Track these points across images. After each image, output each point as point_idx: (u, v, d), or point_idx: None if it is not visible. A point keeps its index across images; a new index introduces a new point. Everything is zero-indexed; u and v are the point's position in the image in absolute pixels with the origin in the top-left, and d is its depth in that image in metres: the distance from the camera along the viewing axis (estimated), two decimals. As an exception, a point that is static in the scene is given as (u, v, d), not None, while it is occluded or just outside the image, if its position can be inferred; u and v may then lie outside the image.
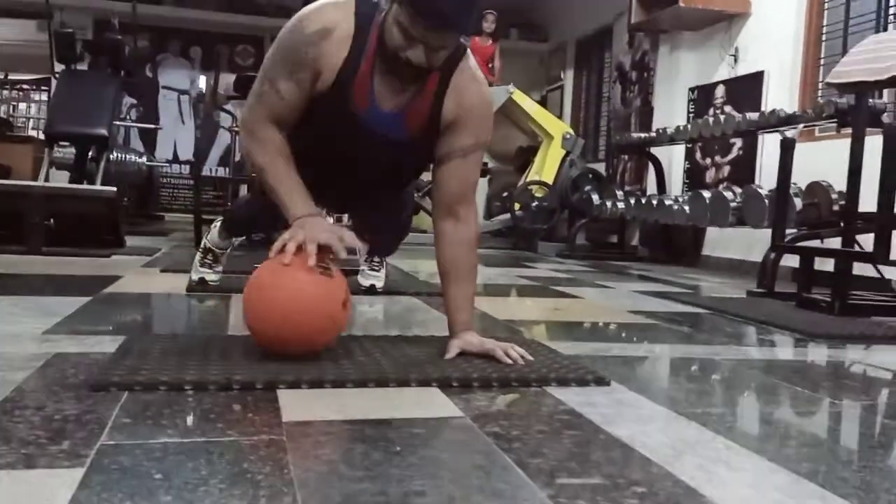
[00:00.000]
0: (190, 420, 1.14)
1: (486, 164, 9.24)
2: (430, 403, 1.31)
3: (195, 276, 2.65)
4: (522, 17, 9.28)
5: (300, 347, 1.49)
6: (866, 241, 3.27)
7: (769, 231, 3.34)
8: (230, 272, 2.73)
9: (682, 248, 5.55)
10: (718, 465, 1.05)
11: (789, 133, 3.10)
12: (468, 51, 1.65)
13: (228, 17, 8.70)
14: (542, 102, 9.03)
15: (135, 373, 1.34)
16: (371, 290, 2.71)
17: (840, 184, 3.50)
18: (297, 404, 1.25)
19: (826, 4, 4.67)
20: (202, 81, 4.30)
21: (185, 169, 9.25)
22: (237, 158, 7.25)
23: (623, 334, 2.24)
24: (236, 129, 7.18)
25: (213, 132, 8.65)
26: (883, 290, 3.26)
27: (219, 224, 2.63)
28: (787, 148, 3.12)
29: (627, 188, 6.77)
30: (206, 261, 2.66)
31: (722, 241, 5.24)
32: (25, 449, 0.97)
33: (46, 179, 4.94)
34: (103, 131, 4.65)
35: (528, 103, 6.40)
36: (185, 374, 1.33)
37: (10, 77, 12.33)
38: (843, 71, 3.12)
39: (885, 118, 3.33)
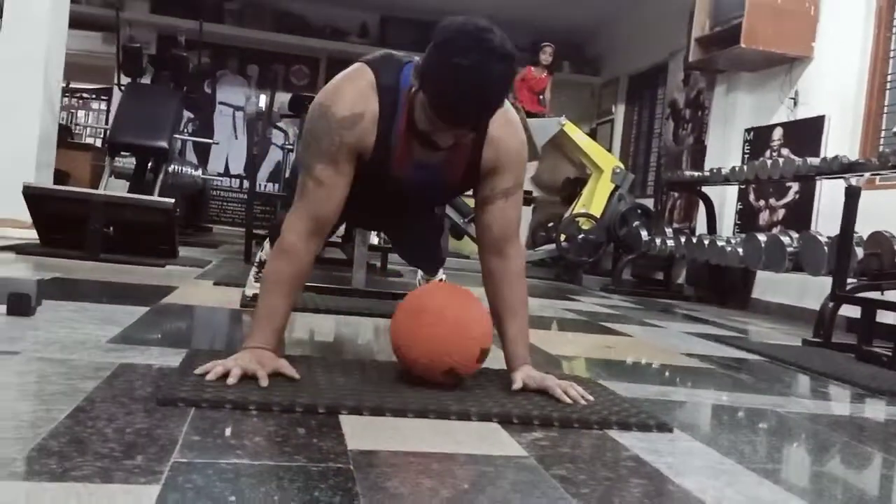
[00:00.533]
0: (257, 441, 1.14)
1: (530, 192, 9.25)
2: (492, 440, 1.29)
3: (249, 292, 2.68)
4: (576, 50, 9.30)
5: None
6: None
7: (822, 278, 3.27)
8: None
9: (730, 289, 5.46)
10: (796, 526, 1.01)
11: (854, 181, 3.03)
12: None
13: (285, 37, 8.88)
14: (592, 135, 9.00)
15: (201, 389, 1.35)
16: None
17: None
18: (359, 432, 1.24)
19: (892, 52, 4.59)
20: (260, 99, 4.38)
21: (236, 183, 9.42)
22: (287, 175, 7.35)
23: (679, 378, 2.20)
24: (289, 146, 7.31)
25: (265, 149, 8.80)
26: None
27: (268, 240, 2.66)
28: (853, 195, 3.06)
29: (676, 226, 6.70)
30: (260, 275, 2.69)
31: (772, 286, 5.13)
32: (101, 462, 0.98)
33: (105, 188, 5.07)
34: (164, 144, 4.76)
35: (579, 135, 6.40)
36: (249, 394, 1.34)
37: (71, 85, 12.74)
38: (913, 120, 3.05)
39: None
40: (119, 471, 0.96)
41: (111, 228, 3.80)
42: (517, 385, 1.57)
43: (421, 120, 1.48)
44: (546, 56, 7.01)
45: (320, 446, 1.15)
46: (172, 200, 3.82)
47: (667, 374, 2.26)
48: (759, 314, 4.99)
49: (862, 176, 3.12)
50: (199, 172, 6.18)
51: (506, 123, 1.63)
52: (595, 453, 1.28)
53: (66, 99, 13.27)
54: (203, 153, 8.95)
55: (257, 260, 2.71)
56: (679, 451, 1.34)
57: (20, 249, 3.83)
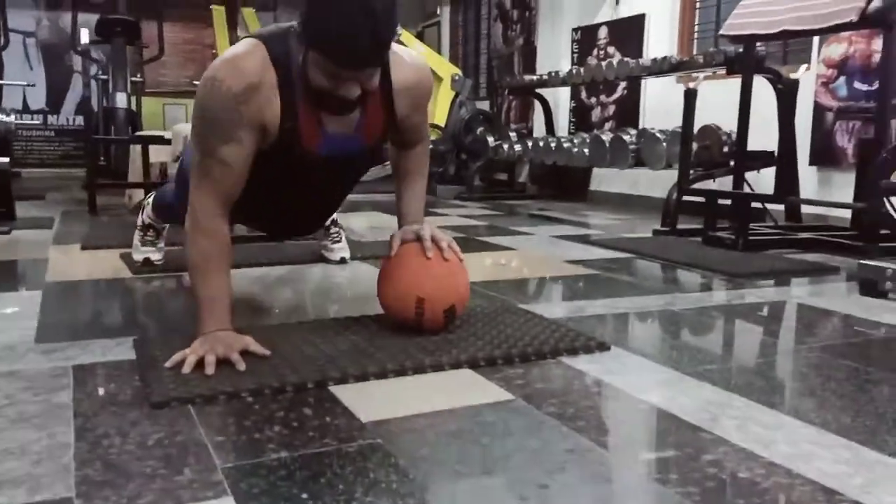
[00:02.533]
0: (278, 431, 1.20)
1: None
2: (475, 387, 1.42)
3: (138, 257, 2.57)
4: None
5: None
6: (750, 177, 3.65)
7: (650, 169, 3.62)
8: (173, 245, 2.68)
9: (571, 185, 5.86)
10: (751, 424, 1.24)
11: (692, 84, 3.35)
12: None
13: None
14: (419, 38, 9.00)
15: (185, 384, 1.36)
16: (343, 262, 2.75)
17: (726, 122, 3.85)
18: (358, 402, 1.32)
19: (701, -50, 4.96)
20: (83, 32, 3.87)
21: (38, 119, 8.54)
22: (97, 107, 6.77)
23: (579, 290, 2.43)
24: (103, 76, 6.71)
25: (65, 79, 8.01)
26: (759, 219, 3.66)
27: (151, 202, 2.55)
28: (691, 97, 3.39)
29: (514, 127, 6.99)
30: (147, 238, 2.58)
31: (607, 178, 5.58)
32: (155, 484, 1.00)
33: None
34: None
35: (415, 45, 6.39)
36: (239, 383, 1.37)
37: None
38: (737, 24, 3.39)
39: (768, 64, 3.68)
40: (180, 489, 0.99)
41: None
42: (393, 249, 1.70)
43: (320, 79, 1.45)
44: None
45: (337, 425, 1.23)
46: (7, 159, 3.47)
47: (568, 286, 2.49)
48: (599, 205, 5.43)
49: (698, 78, 3.44)
50: (13, 118, 5.50)
51: (406, 63, 1.65)
52: (566, 385, 1.45)
53: None
54: (-7, 89, 7.99)
55: (140, 223, 2.58)
56: (628, 369, 1.54)
57: None
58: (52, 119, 8.61)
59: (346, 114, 1.58)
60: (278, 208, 1.81)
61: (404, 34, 6.29)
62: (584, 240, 3.52)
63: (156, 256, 2.56)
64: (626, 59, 4.68)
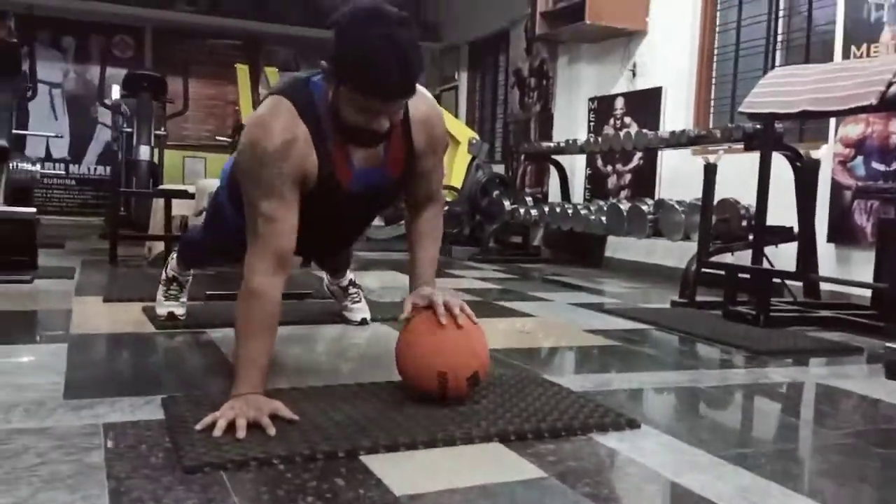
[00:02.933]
0: (311, 502, 1.18)
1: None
2: (506, 462, 1.40)
3: (162, 311, 2.58)
4: (414, 16, 9.34)
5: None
6: (770, 252, 3.66)
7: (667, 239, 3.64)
8: (194, 300, 2.68)
9: (586, 250, 5.88)
10: (792, 512, 1.22)
11: (713, 159, 3.40)
12: None
13: (103, 5, 8.18)
14: (437, 101, 9.17)
15: (217, 449, 1.35)
16: (363, 323, 2.76)
17: (743, 195, 3.88)
18: (390, 473, 1.31)
19: (718, 28, 5.08)
20: (115, 88, 3.97)
21: (60, 168, 8.68)
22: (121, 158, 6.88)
23: (603, 361, 2.42)
24: (128, 129, 6.83)
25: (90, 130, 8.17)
26: (778, 295, 3.66)
27: (175, 256, 2.58)
28: (710, 171, 3.43)
29: (528, 191, 7.06)
30: (170, 292, 2.59)
31: (623, 245, 5.60)
32: (193, 556, 0.99)
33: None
34: (3, 143, 4.33)
35: (435, 109, 6.52)
36: (271, 449, 1.36)
37: None
38: (756, 102, 3.46)
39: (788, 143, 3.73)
40: (219, 563, 0.97)
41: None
42: (405, 312, 1.71)
43: (353, 116, 1.53)
44: None
45: (371, 497, 1.21)
46: (34, 210, 3.52)
47: (590, 357, 2.48)
48: (614, 272, 5.43)
49: (718, 153, 3.49)
50: (38, 167, 5.60)
51: (423, 101, 1.73)
52: (599, 463, 1.43)
53: None
54: (19, 140, 8.13)
55: (164, 276, 2.60)
56: (660, 449, 1.52)
57: None
58: (73, 168, 8.75)
59: (374, 146, 1.65)
60: (306, 236, 1.79)
61: (425, 98, 6.42)
62: (601, 308, 3.51)
63: (179, 311, 2.57)
64: (643, 130, 4.75)
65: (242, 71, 7.59)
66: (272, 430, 1.43)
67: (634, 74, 5.60)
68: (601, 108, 5.96)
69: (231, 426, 1.43)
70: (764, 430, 1.78)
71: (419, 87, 1.71)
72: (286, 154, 1.57)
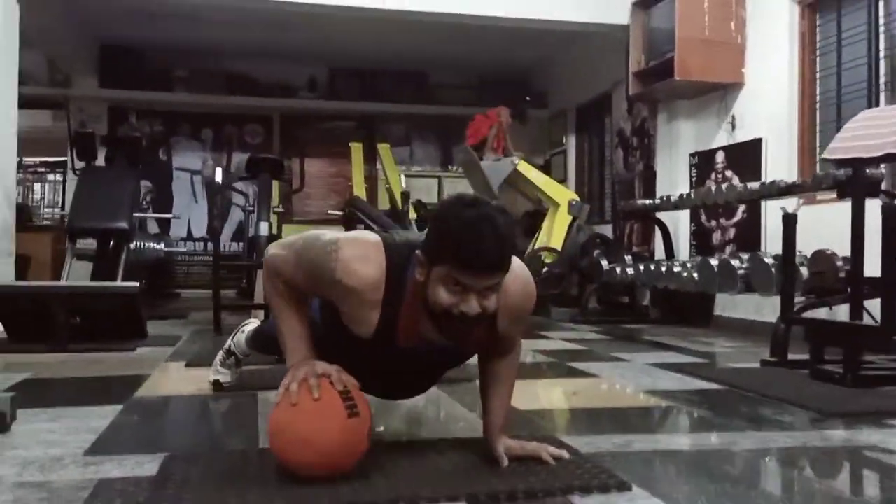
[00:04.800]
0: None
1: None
2: (461, 523, 1.37)
3: (211, 378, 2.69)
4: (522, 86, 9.52)
5: (327, 476, 1.54)
6: (873, 305, 3.34)
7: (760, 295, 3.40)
8: (247, 365, 2.81)
9: (692, 309, 5.61)
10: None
11: (790, 208, 3.19)
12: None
13: (236, 99, 8.96)
14: (546, 166, 9.22)
15: (178, 504, 1.41)
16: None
17: (843, 246, 3.58)
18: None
19: (818, 74, 4.82)
20: (217, 171, 4.42)
21: (199, 246, 9.43)
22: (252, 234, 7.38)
23: (642, 423, 2.30)
24: (250, 208, 7.36)
25: (226, 211, 8.84)
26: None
27: (248, 332, 2.63)
28: (789, 223, 3.22)
29: (636, 249, 6.87)
30: (227, 363, 2.70)
31: (731, 303, 5.29)
32: None
33: (68, 274, 5.07)
34: (124, 225, 4.81)
35: (533, 174, 6.54)
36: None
37: (25, 160, 12.67)
38: (839, 147, 3.23)
39: (883, 186, 3.44)
40: None
41: (77, 318, 3.82)
42: (504, 462, 1.65)
43: (441, 296, 1.46)
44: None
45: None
46: (137, 285, 3.85)
47: (629, 419, 2.36)
48: (722, 332, 5.13)
49: (796, 203, 3.27)
50: (162, 245, 6.20)
51: (517, 286, 1.63)
52: (558, 526, 1.36)
53: (20, 174, 13.20)
54: (164, 220, 8.96)
55: (226, 346, 2.73)
56: (636, 513, 1.43)
57: (-13, 349, 3.83)
58: (211, 246, 9.46)
59: (456, 341, 1.56)
60: (379, 375, 1.79)
61: (521, 164, 6.47)
62: (680, 369, 3.32)
63: (226, 380, 2.67)
64: (734, 183, 4.54)
65: (356, 149, 7.99)
66: (340, 384, 1.53)
67: (734, 127, 5.38)
68: (702, 163, 5.76)
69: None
70: (772, 497, 1.61)
71: (519, 268, 1.65)
72: (348, 297, 1.56)
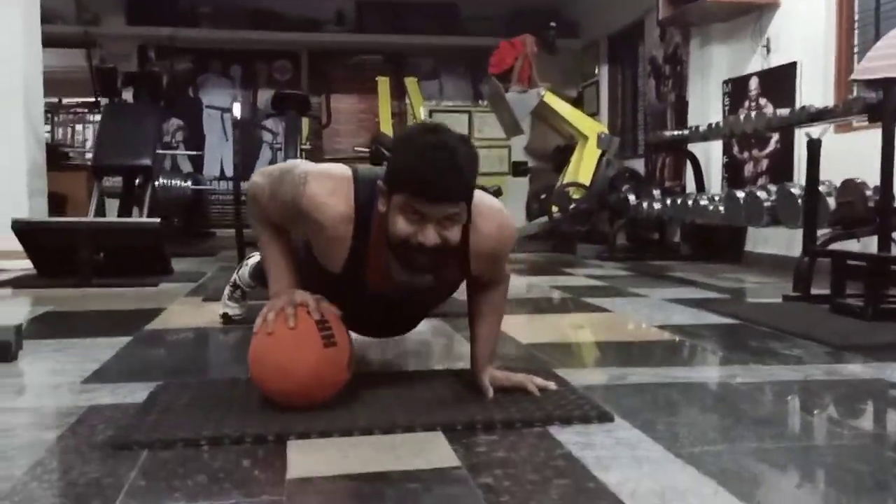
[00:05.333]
0: (200, 480, 1.22)
1: (525, 162, 9.28)
2: (430, 452, 1.36)
3: (221, 310, 2.74)
4: (553, 15, 9.22)
5: (307, 405, 1.55)
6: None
7: (786, 227, 3.29)
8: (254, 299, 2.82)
9: (722, 245, 5.48)
10: (699, 515, 1.08)
11: (815, 134, 3.05)
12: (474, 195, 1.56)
13: (262, 34, 8.87)
14: (579, 99, 9.00)
15: (154, 429, 1.43)
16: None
17: (877, 177, 3.43)
18: (304, 458, 1.32)
19: (858, -9, 4.55)
20: (236, 106, 4.40)
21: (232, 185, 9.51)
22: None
23: (643, 356, 2.26)
24: (278, 145, 7.38)
25: (257, 148, 8.86)
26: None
27: (251, 265, 2.65)
28: (814, 149, 3.08)
29: (668, 184, 6.71)
30: (234, 296, 2.74)
31: (763, 237, 5.15)
32: (47, 521, 1.06)
33: (99, 210, 5.16)
34: (147, 161, 4.84)
35: (560, 105, 6.40)
36: (202, 429, 1.42)
37: (63, 101, 12.82)
38: (869, 67, 3.07)
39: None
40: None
41: (101, 254, 3.89)
42: (489, 394, 1.63)
43: (400, 226, 1.44)
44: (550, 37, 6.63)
45: (260, 478, 1.23)
46: (158, 221, 3.89)
47: (632, 353, 2.32)
48: (752, 267, 5.02)
49: (822, 129, 3.12)
50: (189, 183, 6.23)
51: (489, 219, 1.60)
52: (528, 456, 1.34)
53: (61, 116, 13.37)
54: (197, 159, 9.02)
55: (231, 280, 2.76)
56: (612, 443, 1.40)
57: (17, 283, 3.94)
58: (244, 185, 9.53)
59: (419, 276, 1.55)
60: (358, 318, 1.79)
61: (548, 95, 6.32)
62: (699, 304, 3.26)
63: (235, 312, 2.71)
64: (765, 110, 4.35)
65: (383, 83, 7.89)
66: (317, 314, 1.52)
67: (769, 51, 5.15)
68: (735, 91, 5.54)
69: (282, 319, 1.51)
70: (759, 428, 1.56)
71: (493, 206, 1.63)
72: (317, 228, 1.55)
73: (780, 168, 5.03)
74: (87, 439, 1.42)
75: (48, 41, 5.32)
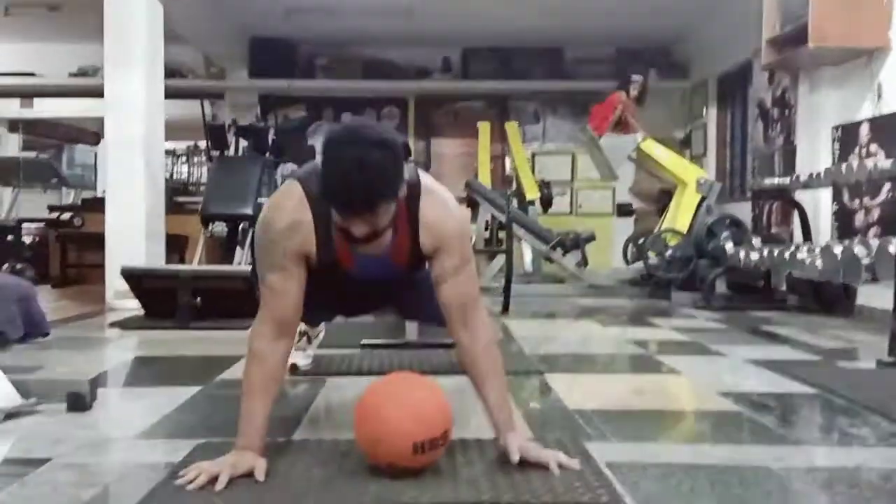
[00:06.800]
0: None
1: (630, 204, 9.11)
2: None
3: (291, 361, 2.82)
4: (662, 55, 9.09)
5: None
6: None
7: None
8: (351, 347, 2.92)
9: (832, 296, 5.15)
10: None
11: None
12: (421, 177, 1.78)
13: (373, 83, 9.23)
14: (686, 140, 8.77)
15: (172, 498, 1.52)
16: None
17: None
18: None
19: (978, 31, 4.23)
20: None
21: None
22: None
23: (690, 430, 2.18)
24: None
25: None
26: None
27: None
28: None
29: (775, 230, 6.40)
30: (298, 344, 2.80)
31: (876, 290, 4.80)
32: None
33: (208, 254, 5.51)
34: (248, 210, 5.15)
35: (657, 151, 6.27)
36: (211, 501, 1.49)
37: (194, 146, 13.79)
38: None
39: None
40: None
41: (198, 299, 4.16)
42: (514, 458, 1.65)
43: (336, 217, 1.62)
44: (634, 90, 6.61)
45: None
46: (250, 268, 4.11)
47: (678, 425, 2.24)
48: (863, 323, 4.68)
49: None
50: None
51: (435, 206, 1.77)
52: (517, 544, 1.34)
53: (194, 158, 14.36)
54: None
55: (302, 328, 2.86)
56: (609, 536, 1.37)
57: (124, 324, 4.27)
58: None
59: (364, 245, 1.67)
60: (334, 301, 2.03)
61: (645, 141, 6.21)
62: (781, 368, 3.07)
63: (302, 362, 2.81)
64: (870, 159, 4.10)
65: (483, 128, 8.00)
66: (219, 487, 1.54)
67: (879, 97, 4.85)
68: (845, 137, 5.23)
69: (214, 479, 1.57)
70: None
71: (442, 191, 1.81)
72: (290, 234, 1.71)
73: (893, 218, 4.69)
74: (118, 501, 1.53)
75: (177, 93, 5.80)
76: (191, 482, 1.56)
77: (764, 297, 5.83)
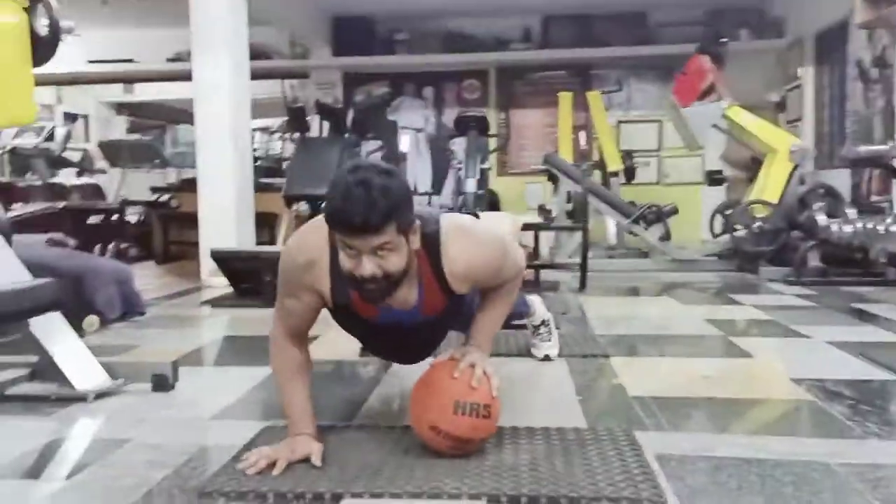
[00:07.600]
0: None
1: (720, 171, 8.77)
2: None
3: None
4: (755, 13, 8.64)
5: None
6: None
7: None
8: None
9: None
10: None
11: None
12: (441, 223, 1.71)
13: (453, 56, 9.20)
14: (781, 104, 8.35)
15: (235, 478, 1.62)
16: (546, 359, 2.79)
17: None
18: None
19: None
20: (404, 140, 4.71)
21: (423, 200, 9.97)
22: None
23: (753, 420, 2.13)
24: (458, 166, 7.64)
25: (444, 166, 9.24)
26: None
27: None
28: None
29: (875, 198, 6.05)
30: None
31: (984, 263, 4.50)
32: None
33: (289, 235, 5.70)
34: (322, 192, 5.28)
35: (745, 118, 6.00)
36: (271, 483, 1.59)
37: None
38: None
39: None
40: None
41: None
42: (449, 354, 1.79)
43: (343, 261, 1.57)
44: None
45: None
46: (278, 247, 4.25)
47: (742, 414, 2.19)
48: (968, 299, 4.40)
49: None
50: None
51: (459, 247, 1.71)
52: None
53: (286, 134, 14.77)
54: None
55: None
56: (645, 533, 1.38)
57: (215, 302, 4.49)
58: (435, 199, 9.95)
59: (372, 303, 1.69)
60: (376, 345, 2.07)
61: (731, 108, 5.96)
62: (864, 351, 2.92)
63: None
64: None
65: (564, 99, 7.87)
66: (277, 472, 1.64)
67: None
68: (951, 98, 4.88)
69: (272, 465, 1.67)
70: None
71: (456, 229, 1.72)
72: (305, 270, 1.72)
73: None
74: (184, 482, 1.65)
75: (263, 74, 5.95)
76: (251, 466, 1.67)
77: (862, 270, 5.54)
